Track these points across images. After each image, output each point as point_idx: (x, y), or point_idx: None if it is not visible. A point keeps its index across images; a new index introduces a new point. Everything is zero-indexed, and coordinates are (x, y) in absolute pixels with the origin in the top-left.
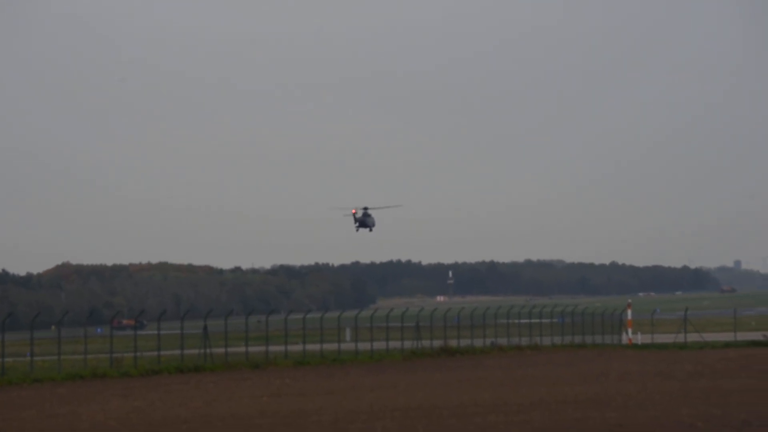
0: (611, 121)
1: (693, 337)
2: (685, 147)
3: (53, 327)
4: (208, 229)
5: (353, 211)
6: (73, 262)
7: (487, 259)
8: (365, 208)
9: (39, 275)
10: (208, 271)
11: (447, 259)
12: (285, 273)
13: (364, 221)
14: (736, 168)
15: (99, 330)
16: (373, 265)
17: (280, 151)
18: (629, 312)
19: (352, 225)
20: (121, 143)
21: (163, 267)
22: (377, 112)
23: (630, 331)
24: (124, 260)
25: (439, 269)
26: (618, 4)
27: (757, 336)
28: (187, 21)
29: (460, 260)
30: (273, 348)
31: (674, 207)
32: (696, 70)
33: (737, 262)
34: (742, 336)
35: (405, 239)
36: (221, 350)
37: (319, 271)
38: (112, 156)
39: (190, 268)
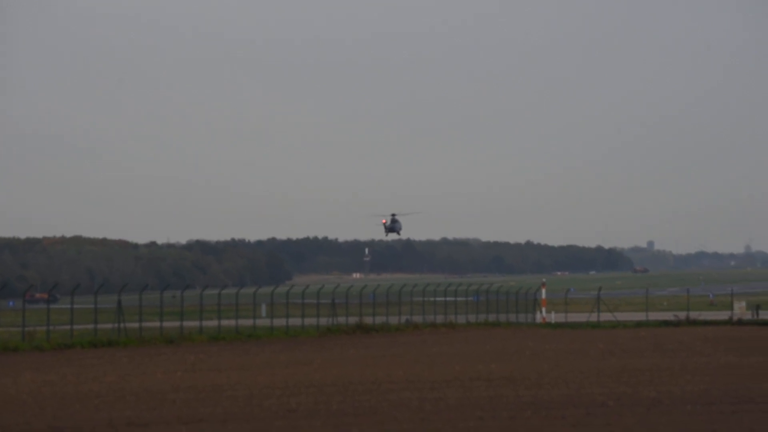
0: (528, 101)
1: (606, 316)
2: (602, 128)
3: None
4: (123, 203)
5: (383, 221)
6: None
7: (403, 237)
8: (393, 215)
9: None
10: (123, 245)
11: (363, 237)
12: (200, 248)
13: (393, 227)
14: (648, 148)
15: (11, 303)
16: (289, 241)
17: (196, 122)
18: (543, 291)
19: (380, 229)
20: (38, 115)
21: (77, 241)
22: (300, 84)
23: (544, 310)
24: (38, 234)
25: (355, 246)
26: None
27: (668, 316)
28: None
29: (376, 238)
30: (188, 323)
31: (589, 188)
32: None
33: (650, 243)
34: (654, 316)
35: (322, 216)
36: (135, 325)
37: (235, 246)
38: (29, 127)
39: (104, 242)
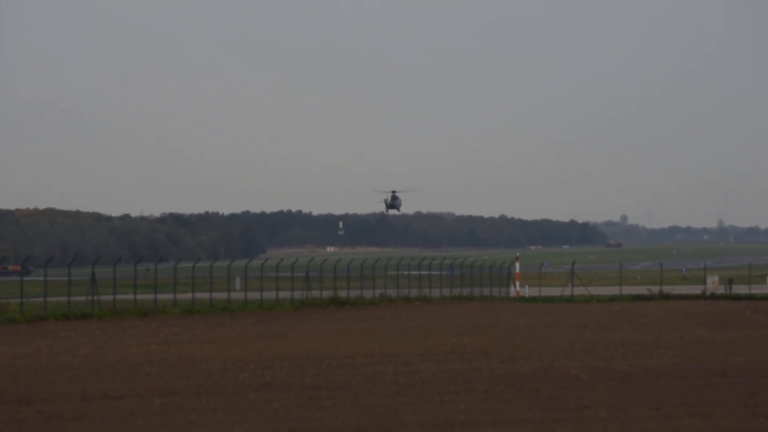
0: (503, 78)
1: (579, 290)
2: (577, 106)
3: None
4: (97, 175)
5: (385, 199)
6: None
7: (378, 211)
8: (393, 192)
9: None
10: (97, 217)
11: (337, 210)
12: (174, 221)
13: (393, 204)
14: (622, 124)
15: None
16: (263, 214)
17: (169, 95)
18: (517, 265)
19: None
20: (7, 84)
21: (51, 213)
22: (273, 58)
23: (518, 283)
24: (11, 205)
25: (329, 220)
26: None
27: (641, 290)
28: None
29: (350, 211)
30: (161, 296)
31: (562, 161)
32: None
33: (623, 217)
34: (627, 290)
35: (296, 189)
36: (109, 297)
37: (208, 219)
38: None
39: (77, 215)
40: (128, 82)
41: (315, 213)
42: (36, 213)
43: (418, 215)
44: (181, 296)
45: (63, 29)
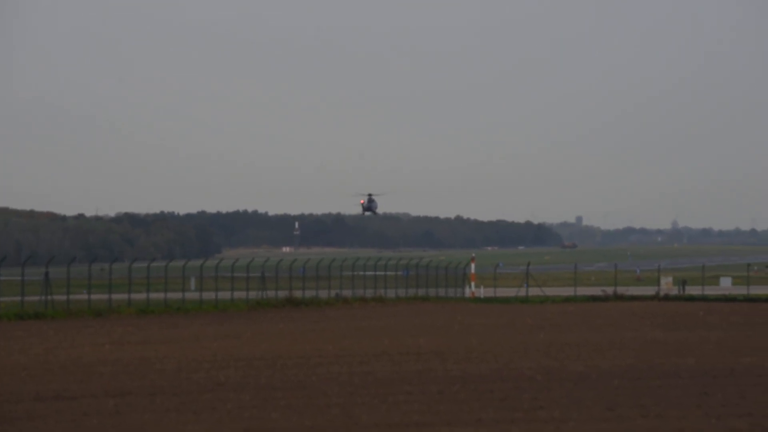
0: (461, 85)
1: (534, 291)
2: (533, 110)
3: None
4: (51, 175)
5: (362, 201)
6: None
7: (334, 211)
8: (370, 195)
9: None
10: (51, 217)
11: (293, 210)
12: (129, 221)
13: (369, 206)
14: (577, 128)
15: None
16: (219, 214)
17: (124, 95)
18: (473, 266)
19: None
20: None
21: (4, 212)
22: (231, 56)
23: (473, 284)
24: None
25: (285, 220)
26: None
27: (596, 291)
28: None
29: (306, 211)
30: (116, 296)
31: (518, 163)
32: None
33: (579, 218)
34: (582, 291)
35: (252, 189)
36: (63, 297)
37: (164, 219)
38: None
39: (31, 214)
40: (81, 82)
41: (271, 213)
42: None
43: (374, 216)
44: (135, 296)
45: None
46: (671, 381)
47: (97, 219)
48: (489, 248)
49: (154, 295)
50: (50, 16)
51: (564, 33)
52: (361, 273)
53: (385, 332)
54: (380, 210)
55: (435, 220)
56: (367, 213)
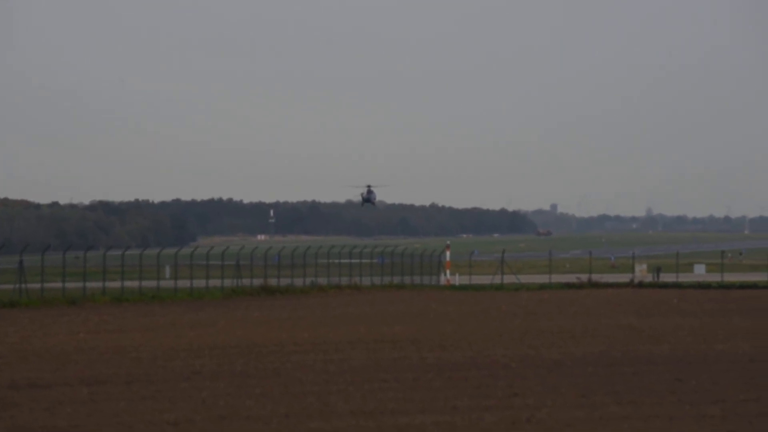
0: (435, 71)
1: (509, 278)
2: (509, 98)
3: None
4: (25, 162)
5: (361, 193)
6: None
7: (309, 199)
8: (368, 186)
9: None
10: (25, 205)
11: (268, 198)
12: (104, 209)
13: (368, 198)
14: (552, 115)
15: None
16: (194, 202)
17: (95, 79)
18: (448, 253)
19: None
20: None
21: None
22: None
23: (448, 272)
24: None
25: (260, 208)
26: None
27: (570, 278)
28: None
29: (281, 199)
30: (90, 284)
31: (492, 150)
32: None
33: (554, 206)
34: (557, 278)
35: (226, 177)
36: (37, 286)
37: (138, 207)
38: None
39: (5, 202)
40: (52, 67)
41: (246, 201)
42: None
43: (349, 204)
44: (110, 284)
45: None
46: (645, 368)
47: (72, 207)
48: (464, 236)
49: (128, 284)
50: None
51: (543, 25)
52: (337, 261)
53: (361, 320)
54: (355, 197)
55: (410, 208)
56: (366, 204)
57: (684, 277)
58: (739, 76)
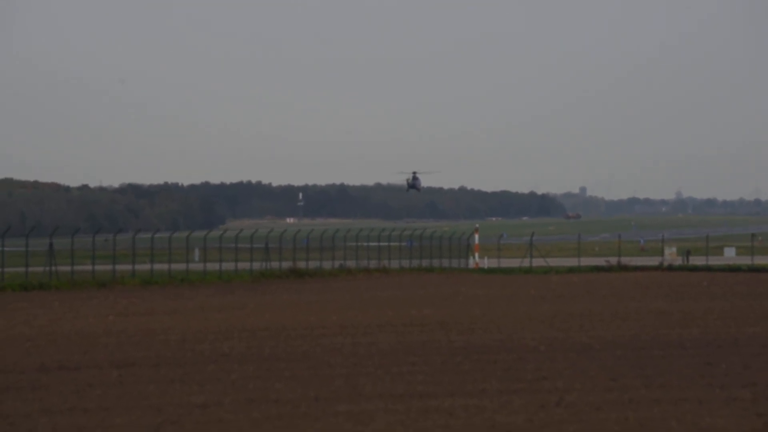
0: (464, 51)
1: (538, 261)
2: (535, 78)
3: None
4: (55, 145)
5: (407, 179)
6: None
7: (337, 182)
8: (414, 173)
9: None
10: (55, 188)
11: (297, 181)
12: (133, 192)
13: (414, 184)
14: (581, 99)
15: None
16: (223, 185)
17: (127, 66)
18: (476, 236)
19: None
20: None
21: (8, 183)
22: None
23: (477, 255)
24: None
25: (289, 191)
26: None
27: (599, 261)
28: None
29: (310, 182)
30: (120, 267)
31: (521, 133)
32: None
33: (583, 189)
34: (586, 261)
35: (255, 160)
36: (67, 268)
37: (168, 190)
38: None
39: (36, 185)
40: (84, 49)
41: (274, 184)
42: None
43: (378, 186)
44: (139, 267)
45: None
46: (675, 351)
47: (101, 190)
48: (493, 219)
49: (158, 266)
50: None
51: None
52: (365, 244)
53: (389, 303)
54: (384, 180)
55: (439, 191)
56: (411, 190)
57: (714, 260)
58: None
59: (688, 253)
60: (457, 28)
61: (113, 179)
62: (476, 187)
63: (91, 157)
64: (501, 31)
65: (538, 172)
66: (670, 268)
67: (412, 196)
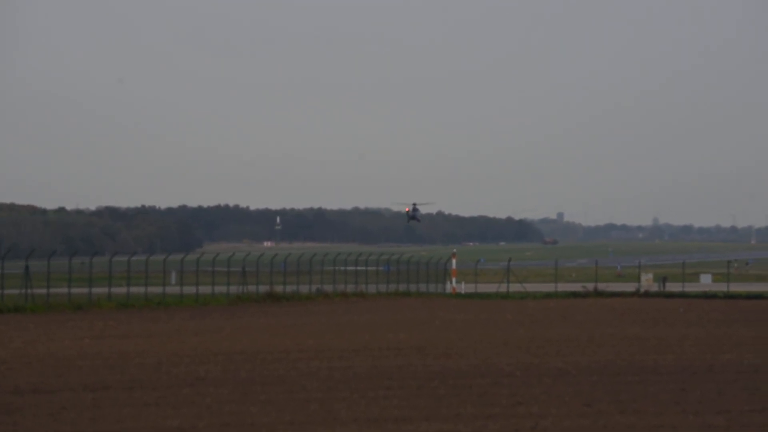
0: (441, 76)
1: (515, 287)
2: (517, 107)
3: None
4: (32, 168)
5: (407, 209)
6: None
7: (315, 206)
8: (414, 204)
9: None
10: (31, 210)
11: (275, 205)
12: (110, 215)
13: (414, 215)
14: (557, 124)
15: None
16: (200, 209)
17: (103, 87)
18: (454, 261)
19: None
20: None
21: None
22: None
23: (454, 280)
24: None
25: (266, 215)
26: None
27: (576, 287)
28: None
29: (288, 206)
30: (96, 290)
31: (499, 158)
32: None
33: (560, 215)
34: (563, 287)
35: (233, 183)
36: (43, 291)
37: (145, 213)
38: None
39: (12, 207)
40: (52, 72)
41: (252, 207)
42: None
43: (356, 210)
44: (116, 290)
45: None
46: (650, 377)
47: (78, 212)
48: (470, 244)
49: (134, 289)
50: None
51: (546, 29)
52: (342, 268)
53: (366, 327)
54: (362, 204)
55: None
56: (412, 221)
57: (690, 287)
58: (745, 80)
59: (664, 280)
60: (434, 56)
61: (90, 202)
62: (454, 212)
63: (68, 179)
64: (480, 59)
65: (516, 197)
66: (647, 294)
67: (386, 219)
